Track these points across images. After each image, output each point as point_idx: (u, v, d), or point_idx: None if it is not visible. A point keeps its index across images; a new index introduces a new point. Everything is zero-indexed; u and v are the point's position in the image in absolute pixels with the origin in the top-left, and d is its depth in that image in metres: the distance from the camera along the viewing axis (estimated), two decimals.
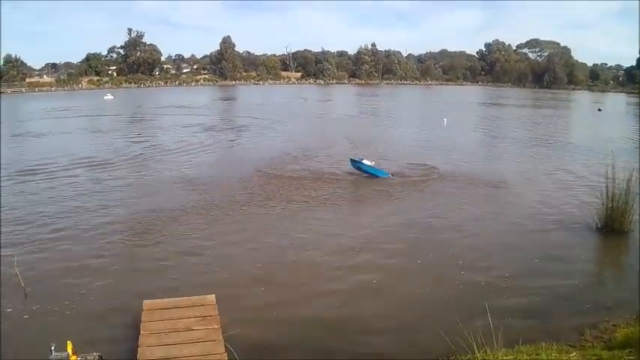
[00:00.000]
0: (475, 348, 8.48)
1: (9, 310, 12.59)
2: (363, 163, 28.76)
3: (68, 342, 9.35)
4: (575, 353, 9.51)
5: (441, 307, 13.00)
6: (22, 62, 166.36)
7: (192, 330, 10.53)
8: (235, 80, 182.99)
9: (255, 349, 10.84)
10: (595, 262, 17.36)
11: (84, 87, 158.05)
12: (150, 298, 11.93)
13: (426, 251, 17.08)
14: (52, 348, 9.30)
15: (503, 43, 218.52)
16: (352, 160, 29.58)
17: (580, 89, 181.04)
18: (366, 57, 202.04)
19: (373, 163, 28.97)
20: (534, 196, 24.96)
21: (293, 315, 12.53)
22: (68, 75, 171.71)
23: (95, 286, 13.97)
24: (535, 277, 14.90)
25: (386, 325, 12.13)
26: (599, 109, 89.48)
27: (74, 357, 9.30)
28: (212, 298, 11.80)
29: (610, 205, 18.83)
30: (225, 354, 9.79)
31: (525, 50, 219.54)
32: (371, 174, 28.56)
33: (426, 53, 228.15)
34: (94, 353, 9.80)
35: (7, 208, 21.75)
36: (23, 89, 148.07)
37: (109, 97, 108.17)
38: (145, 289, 13.33)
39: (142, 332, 10.45)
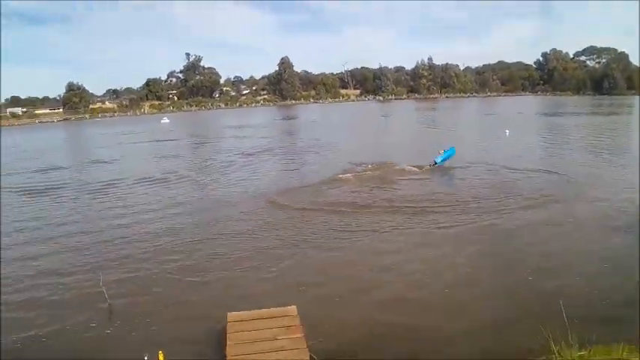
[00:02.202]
0: (552, 345, 8.74)
1: (94, 324, 13.19)
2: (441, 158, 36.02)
3: (160, 352, 10.00)
4: None
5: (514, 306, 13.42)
6: (85, 89, 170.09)
7: (277, 339, 10.90)
8: (295, 100, 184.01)
9: (338, 356, 11.24)
10: None
11: (146, 112, 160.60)
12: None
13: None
14: (146, 357, 9.90)
15: (560, 51, 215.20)
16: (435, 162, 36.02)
17: None
18: (424, 71, 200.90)
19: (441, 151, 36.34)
20: (612, 202, 24.63)
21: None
22: (130, 100, 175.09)
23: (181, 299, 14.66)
24: (608, 282, 14.79)
25: (471, 325, 12.48)
26: None
27: None
28: (294, 309, 12.10)
29: None
30: None
31: (583, 58, 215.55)
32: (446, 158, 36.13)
33: (484, 65, 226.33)
34: None
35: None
36: (87, 115, 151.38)
37: (165, 120, 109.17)
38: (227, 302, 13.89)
39: (228, 343, 10.86)
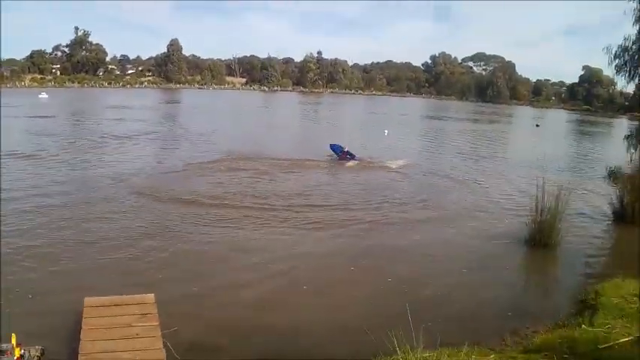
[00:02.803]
0: (397, 346, 8.78)
1: None
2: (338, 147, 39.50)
3: (12, 334, 9.82)
4: (493, 356, 10.39)
5: (365, 309, 14.20)
6: None
7: (132, 326, 11.06)
8: (180, 84, 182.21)
9: (191, 347, 11.65)
10: (521, 273, 19.00)
11: (26, 85, 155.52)
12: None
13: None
14: None
15: (449, 55, 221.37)
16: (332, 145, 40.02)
17: (522, 104, 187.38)
18: (311, 65, 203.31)
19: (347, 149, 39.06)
20: (468, 205, 26.98)
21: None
22: (11, 72, 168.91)
23: (39, 282, 14.82)
24: (461, 286, 16.23)
25: (317, 327, 13.14)
26: (537, 125, 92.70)
27: (17, 349, 9.71)
28: (151, 297, 12.31)
29: (539, 219, 20.16)
30: (163, 350, 10.43)
31: (470, 64, 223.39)
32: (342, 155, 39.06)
33: (372, 63, 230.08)
34: (37, 347, 10.25)
35: None
36: None
37: (44, 96, 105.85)
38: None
39: (83, 327, 10.96)
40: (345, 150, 39.19)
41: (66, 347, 11.07)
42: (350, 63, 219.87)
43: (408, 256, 18.95)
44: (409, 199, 27.77)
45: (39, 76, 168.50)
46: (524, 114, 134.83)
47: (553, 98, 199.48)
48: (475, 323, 13.38)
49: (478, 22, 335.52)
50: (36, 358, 10.04)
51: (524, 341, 12.13)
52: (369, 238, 21.04)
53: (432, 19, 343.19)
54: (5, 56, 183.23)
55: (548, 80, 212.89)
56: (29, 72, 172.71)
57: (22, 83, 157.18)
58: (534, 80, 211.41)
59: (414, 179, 33.89)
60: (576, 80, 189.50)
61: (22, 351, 9.82)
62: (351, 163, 37.74)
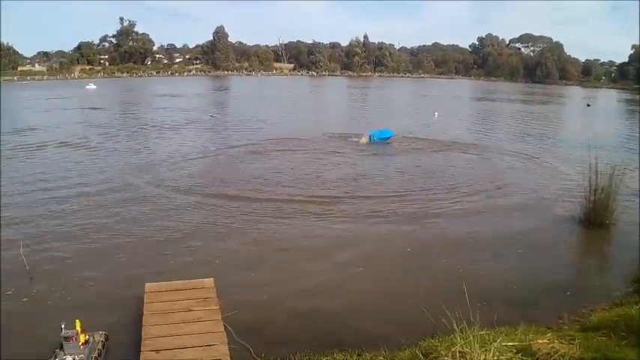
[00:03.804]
0: (455, 324, 8.68)
1: (8, 292, 13.07)
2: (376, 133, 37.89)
3: (77, 320, 9.97)
4: (550, 334, 10.04)
5: (424, 290, 13.75)
6: (14, 50, 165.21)
7: (192, 310, 11.14)
8: (227, 71, 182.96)
9: (251, 329, 11.44)
10: (577, 253, 18.26)
11: (76, 76, 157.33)
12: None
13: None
14: (62, 326, 9.88)
15: (496, 37, 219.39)
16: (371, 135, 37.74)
17: (572, 84, 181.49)
18: (357, 49, 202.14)
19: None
20: (522, 188, 25.61)
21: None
22: (60, 64, 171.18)
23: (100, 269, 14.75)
24: (517, 266, 15.73)
25: (373, 306, 12.89)
26: (588, 105, 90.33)
27: (83, 335, 9.92)
28: (210, 281, 12.42)
29: (593, 199, 19.34)
30: (224, 332, 10.39)
31: (518, 45, 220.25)
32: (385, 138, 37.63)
33: (419, 47, 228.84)
34: (101, 332, 10.63)
35: None
36: (15, 78, 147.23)
37: (92, 86, 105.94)
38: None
39: (144, 312, 11.02)
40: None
41: (129, 332, 11.11)
42: (397, 46, 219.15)
43: (462, 238, 18.32)
44: (465, 182, 26.65)
45: (88, 67, 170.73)
46: (575, 94, 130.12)
47: (603, 78, 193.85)
48: (532, 303, 13.18)
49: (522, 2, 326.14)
50: (100, 343, 10.41)
51: (581, 320, 11.93)
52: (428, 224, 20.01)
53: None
54: (54, 48, 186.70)
55: (598, 60, 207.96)
56: (78, 63, 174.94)
57: (72, 75, 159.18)
58: (583, 60, 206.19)
59: (468, 161, 32.67)
60: (626, 59, 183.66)
61: (87, 336, 10.09)
62: (364, 140, 37.39)
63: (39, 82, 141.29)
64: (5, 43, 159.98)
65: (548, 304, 12.96)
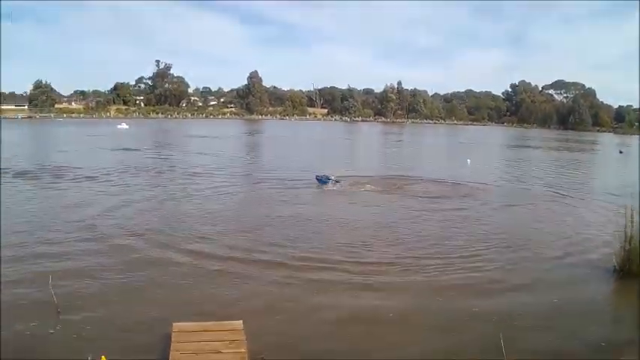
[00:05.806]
0: None
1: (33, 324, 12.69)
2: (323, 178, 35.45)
3: (102, 357, 9.73)
4: None
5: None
6: (52, 88, 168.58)
7: (221, 353, 10.72)
8: (261, 115, 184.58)
9: None
10: (611, 303, 17.12)
11: (111, 115, 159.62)
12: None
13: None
14: (89, 359, 9.84)
15: (529, 83, 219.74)
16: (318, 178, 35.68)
17: (605, 131, 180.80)
18: (392, 95, 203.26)
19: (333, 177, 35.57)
20: (555, 236, 24.71)
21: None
22: (96, 103, 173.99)
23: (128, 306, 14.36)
24: (552, 317, 14.65)
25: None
26: (621, 152, 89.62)
27: None
28: (239, 323, 11.93)
29: (628, 247, 18.42)
30: None
31: (551, 91, 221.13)
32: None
33: (452, 93, 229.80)
34: None
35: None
36: (52, 115, 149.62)
37: (124, 126, 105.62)
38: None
39: (172, 353, 10.67)
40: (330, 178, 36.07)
41: None
42: (430, 93, 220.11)
43: (489, 287, 17.10)
44: (489, 232, 25.26)
45: (123, 107, 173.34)
46: (607, 141, 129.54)
47: (637, 124, 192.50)
48: (567, 354, 12.36)
49: (554, 46, 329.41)
50: None
51: None
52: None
53: (506, 45, 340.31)
54: (90, 88, 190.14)
55: (630, 105, 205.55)
56: (114, 103, 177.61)
57: (108, 114, 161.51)
58: (616, 106, 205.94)
59: (495, 205, 31.26)
60: None
61: None
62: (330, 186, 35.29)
63: (75, 119, 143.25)
64: (44, 81, 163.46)
65: (581, 355, 12.29)
